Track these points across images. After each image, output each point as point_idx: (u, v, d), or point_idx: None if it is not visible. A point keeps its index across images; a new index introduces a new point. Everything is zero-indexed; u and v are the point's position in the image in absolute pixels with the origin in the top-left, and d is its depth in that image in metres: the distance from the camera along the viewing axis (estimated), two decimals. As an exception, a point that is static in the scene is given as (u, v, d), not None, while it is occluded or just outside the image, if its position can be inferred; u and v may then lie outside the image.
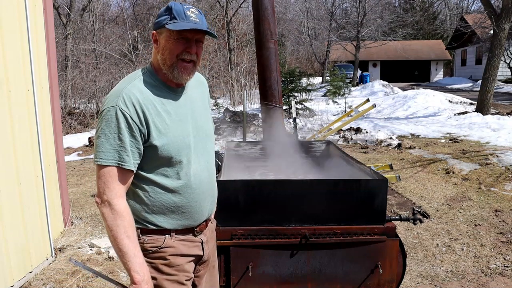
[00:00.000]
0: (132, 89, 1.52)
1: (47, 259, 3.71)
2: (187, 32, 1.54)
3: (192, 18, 1.54)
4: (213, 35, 1.61)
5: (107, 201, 1.48)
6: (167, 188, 1.58)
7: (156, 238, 1.60)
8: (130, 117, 1.48)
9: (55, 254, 3.84)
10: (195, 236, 1.69)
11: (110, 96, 1.53)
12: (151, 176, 1.56)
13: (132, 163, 1.50)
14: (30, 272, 3.46)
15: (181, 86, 1.65)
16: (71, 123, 12.76)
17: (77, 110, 14.47)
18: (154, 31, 1.59)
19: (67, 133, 11.78)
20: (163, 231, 1.61)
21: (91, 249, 4.00)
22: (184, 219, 1.63)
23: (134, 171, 1.53)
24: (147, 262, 1.57)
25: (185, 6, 1.56)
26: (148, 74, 1.59)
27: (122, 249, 1.47)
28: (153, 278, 1.59)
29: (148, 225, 1.59)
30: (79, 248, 4.02)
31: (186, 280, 1.67)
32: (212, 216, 1.83)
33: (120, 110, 1.47)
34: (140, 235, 1.59)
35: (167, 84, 1.61)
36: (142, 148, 1.52)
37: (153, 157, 1.54)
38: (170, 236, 1.62)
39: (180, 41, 1.55)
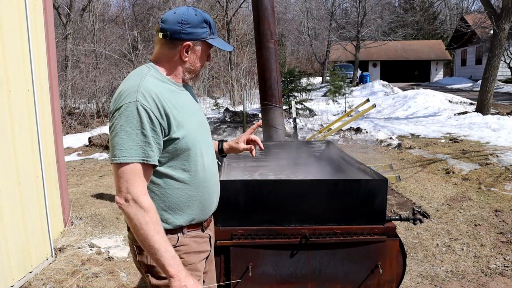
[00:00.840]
0: (148, 84, 1.51)
1: (47, 259, 3.72)
2: None
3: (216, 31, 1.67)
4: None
5: (133, 199, 1.43)
6: (185, 182, 1.57)
7: (169, 237, 1.58)
8: (152, 111, 1.46)
9: (55, 254, 3.84)
10: (203, 231, 1.70)
11: (125, 92, 1.49)
12: (168, 171, 1.55)
13: (156, 158, 1.49)
14: (30, 272, 3.46)
15: (184, 83, 1.67)
16: (71, 123, 12.75)
17: (77, 110, 14.46)
18: (190, 42, 1.58)
19: (67, 133, 11.78)
20: (175, 230, 1.60)
21: (91, 249, 4.00)
22: (198, 214, 1.64)
23: (157, 166, 1.52)
24: None
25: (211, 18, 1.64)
26: (154, 71, 1.59)
27: (153, 245, 1.43)
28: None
29: (163, 224, 1.57)
30: (79, 248, 4.02)
31: (198, 280, 1.67)
32: None
33: (142, 105, 1.45)
34: None
35: (172, 80, 1.63)
36: (162, 143, 1.51)
37: (172, 151, 1.54)
38: (183, 234, 1.62)
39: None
